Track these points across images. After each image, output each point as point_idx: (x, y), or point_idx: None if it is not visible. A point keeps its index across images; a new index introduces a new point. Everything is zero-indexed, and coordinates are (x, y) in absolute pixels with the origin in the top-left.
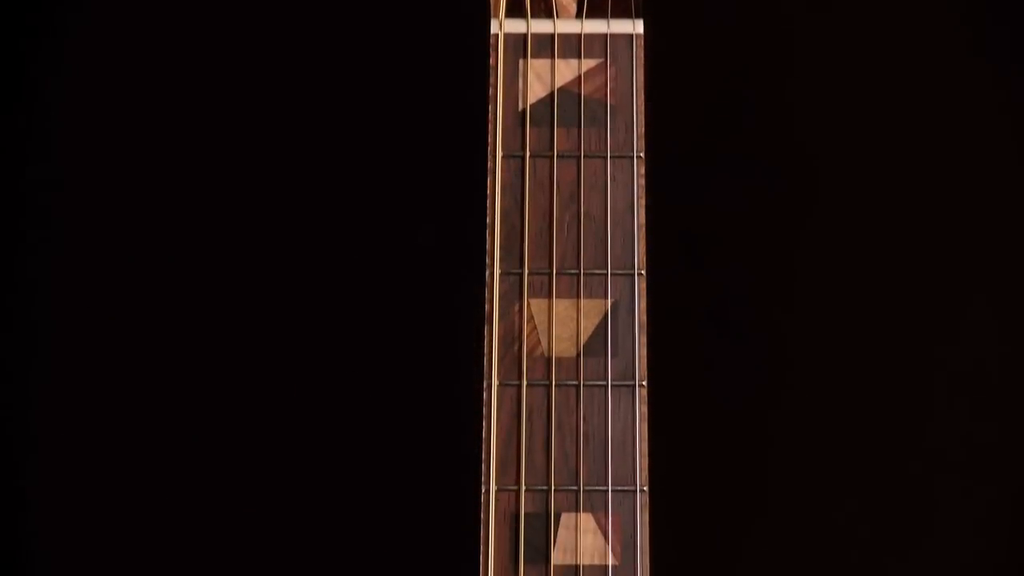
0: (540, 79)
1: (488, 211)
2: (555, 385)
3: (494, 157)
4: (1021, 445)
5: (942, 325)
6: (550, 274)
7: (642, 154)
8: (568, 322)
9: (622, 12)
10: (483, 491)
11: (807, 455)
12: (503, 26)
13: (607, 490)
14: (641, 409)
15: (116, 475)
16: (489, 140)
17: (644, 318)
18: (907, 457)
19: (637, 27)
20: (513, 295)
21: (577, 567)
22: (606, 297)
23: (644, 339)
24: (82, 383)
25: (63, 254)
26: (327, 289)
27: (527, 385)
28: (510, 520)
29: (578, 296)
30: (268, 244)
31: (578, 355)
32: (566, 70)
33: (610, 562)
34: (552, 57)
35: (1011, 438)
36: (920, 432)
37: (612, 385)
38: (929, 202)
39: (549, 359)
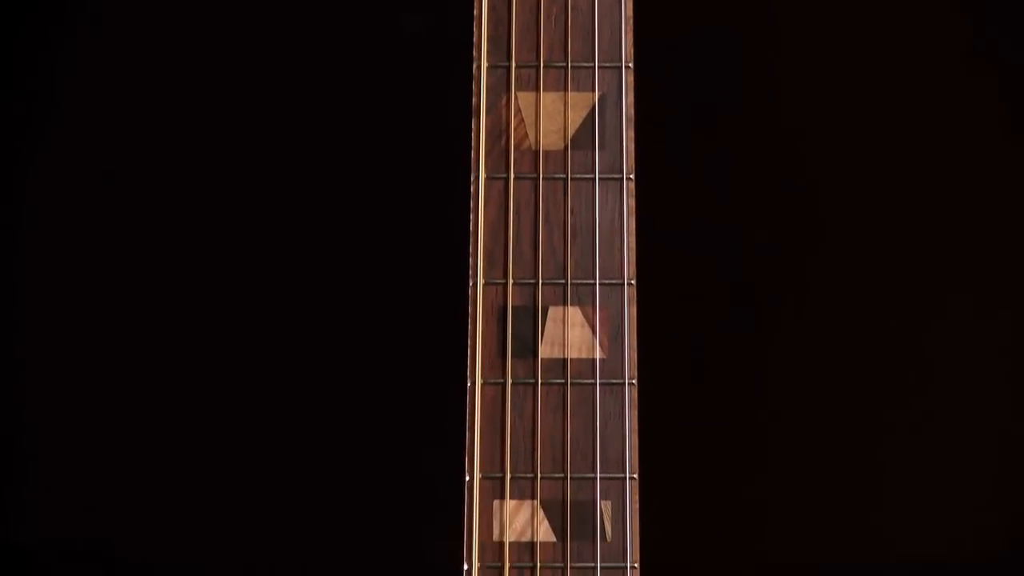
0: None
1: (475, 3)
2: (542, 178)
3: None
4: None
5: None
6: (537, 67)
7: None
8: (556, 115)
9: None
10: (470, 285)
11: (796, 245)
12: None
13: (594, 283)
14: (628, 202)
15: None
16: None
17: (631, 111)
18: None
19: None
20: (500, 88)
21: (564, 360)
22: (594, 90)
23: (631, 132)
24: (78, 383)
25: (59, 253)
26: (314, 83)
27: (514, 178)
28: (497, 314)
29: (566, 89)
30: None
31: (566, 148)
32: None
33: (597, 355)
34: None
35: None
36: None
37: (600, 178)
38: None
39: (536, 152)
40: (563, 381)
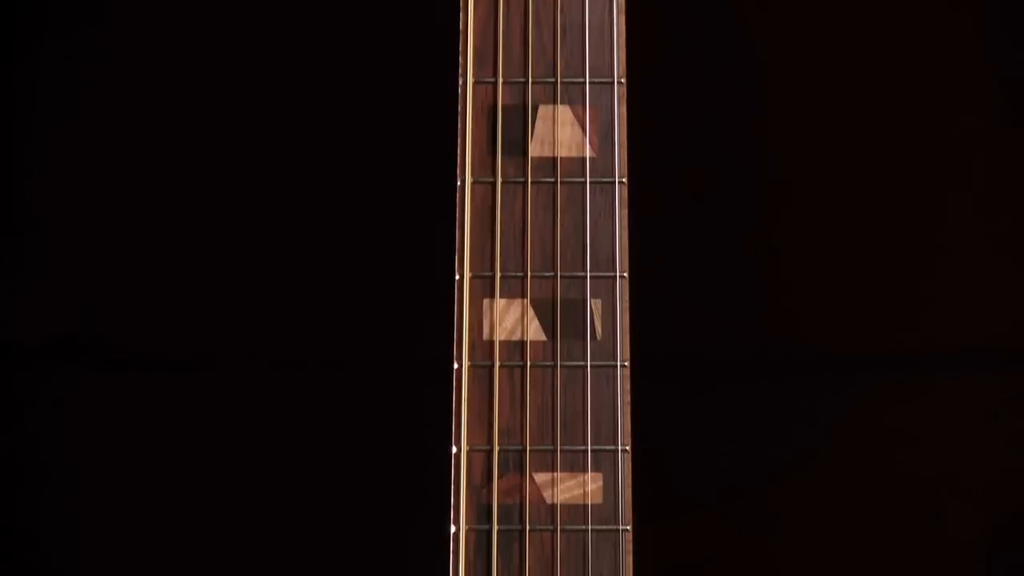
0: None
1: None
2: None
3: None
4: None
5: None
6: None
7: None
8: None
9: None
10: (460, 84)
11: (792, 27)
12: None
13: (584, 82)
14: (618, 0)
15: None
16: None
17: None
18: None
19: None
20: None
21: (554, 159)
22: None
23: None
24: (73, 183)
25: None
26: None
27: None
28: (487, 113)
29: None
30: None
31: None
32: None
33: (587, 154)
34: None
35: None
36: None
37: None
38: None
39: None
40: (553, 180)
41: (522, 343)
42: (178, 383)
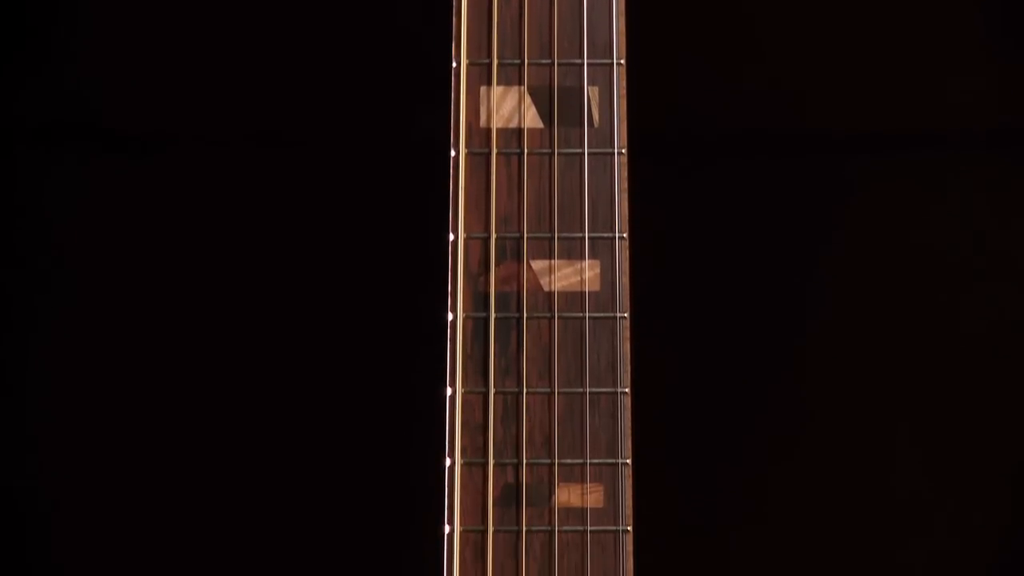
0: None
1: None
2: None
3: None
4: None
5: None
6: None
7: None
8: None
9: None
10: None
11: None
12: None
13: None
14: None
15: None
16: None
17: None
18: None
19: None
20: None
21: None
22: None
23: None
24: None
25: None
26: None
27: None
28: None
29: None
30: None
31: None
32: None
33: None
34: None
35: None
36: None
37: None
38: None
39: None
40: None
41: (519, 130)
42: (178, 163)
